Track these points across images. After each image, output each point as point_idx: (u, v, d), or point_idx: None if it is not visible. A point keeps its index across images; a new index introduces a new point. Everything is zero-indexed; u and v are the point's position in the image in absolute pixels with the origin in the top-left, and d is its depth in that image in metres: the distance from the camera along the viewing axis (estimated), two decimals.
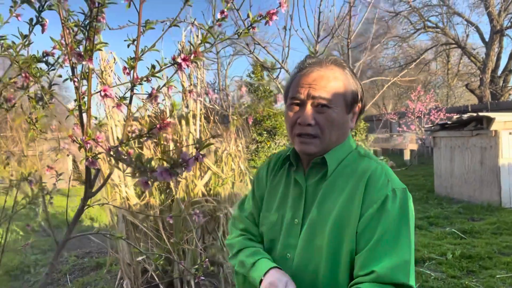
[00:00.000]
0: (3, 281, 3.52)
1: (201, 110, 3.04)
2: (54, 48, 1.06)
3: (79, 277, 3.56)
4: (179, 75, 3.00)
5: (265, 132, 11.48)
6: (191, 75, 2.81)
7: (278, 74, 2.40)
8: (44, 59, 1.05)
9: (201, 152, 0.61)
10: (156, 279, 2.68)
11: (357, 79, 0.93)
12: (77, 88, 0.97)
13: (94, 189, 1.09)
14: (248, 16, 0.88)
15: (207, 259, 1.79)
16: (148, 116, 3.08)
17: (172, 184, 2.80)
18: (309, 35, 2.12)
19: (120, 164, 0.91)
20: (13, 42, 0.88)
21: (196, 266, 1.58)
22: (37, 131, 1.09)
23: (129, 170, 0.83)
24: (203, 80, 2.93)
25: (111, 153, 0.89)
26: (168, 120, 0.80)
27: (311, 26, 2.18)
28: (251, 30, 0.89)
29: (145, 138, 0.83)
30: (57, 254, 1.09)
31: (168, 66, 0.93)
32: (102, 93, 0.93)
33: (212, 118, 3.23)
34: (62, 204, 5.90)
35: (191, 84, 2.80)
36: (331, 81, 0.87)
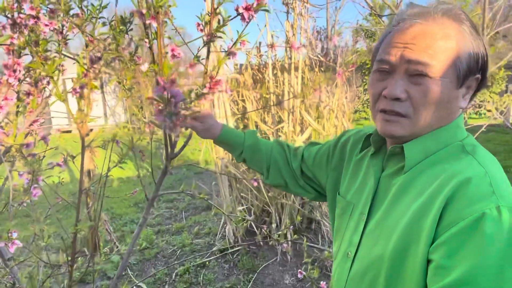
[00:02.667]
0: (133, 211, 4.17)
1: (304, 61, 2.88)
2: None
3: (192, 216, 3.98)
4: (283, 25, 2.86)
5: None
6: (295, 25, 2.63)
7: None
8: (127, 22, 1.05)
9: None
10: (255, 228, 2.80)
11: (480, 38, 0.64)
12: (150, 48, 0.95)
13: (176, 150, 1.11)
14: None
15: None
16: (251, 68, 3.06)
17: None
18: None
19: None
20: (92, 4, 0.88)
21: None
22: (125, 90, 1.13)
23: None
24: (307, 30, 2.72)
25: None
26: (218, 79, 0.75)
27: None
28: None
29: (200, 97, 0.78)
30: (148, 209, 1.16)
31: (232, 19, 0.83)
32: (170, 53, 0.89)
33: (316, 69, 3.05)
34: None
35: (294, 35, 2.64)
36: (438, 40, 0.61)
